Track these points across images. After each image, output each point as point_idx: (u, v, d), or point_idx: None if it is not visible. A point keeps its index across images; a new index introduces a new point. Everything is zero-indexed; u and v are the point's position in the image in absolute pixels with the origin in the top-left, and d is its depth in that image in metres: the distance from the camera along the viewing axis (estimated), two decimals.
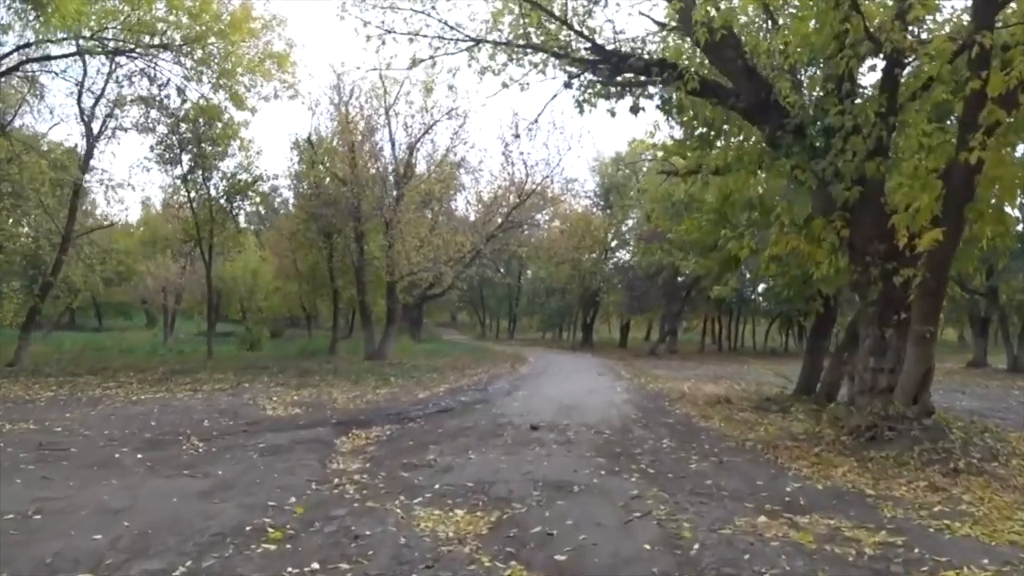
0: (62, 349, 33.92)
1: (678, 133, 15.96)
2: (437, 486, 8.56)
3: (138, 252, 41.14)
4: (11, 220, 26.14)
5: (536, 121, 25.48)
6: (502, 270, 62.62)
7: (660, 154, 16.92)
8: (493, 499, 7.98)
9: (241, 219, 39.23)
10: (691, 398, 18.10)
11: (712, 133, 14.22)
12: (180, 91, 24.93)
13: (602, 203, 53.13)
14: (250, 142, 28.71)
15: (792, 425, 13.25)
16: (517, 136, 28.98)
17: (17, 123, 26.07)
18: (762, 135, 12.26)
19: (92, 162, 27.20)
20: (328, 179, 30.42)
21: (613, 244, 52.13)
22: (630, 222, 50.57)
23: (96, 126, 27.08)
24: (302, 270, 35.36)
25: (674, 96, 12.80)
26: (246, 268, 42.04)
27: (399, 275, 27.69)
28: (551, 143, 31.99)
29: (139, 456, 9.99)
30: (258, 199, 32.16)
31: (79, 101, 26.18)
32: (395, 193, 28.49)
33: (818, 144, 10.98)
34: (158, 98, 26.23)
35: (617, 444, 11.49)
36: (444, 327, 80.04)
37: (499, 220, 30.18)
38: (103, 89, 26.37)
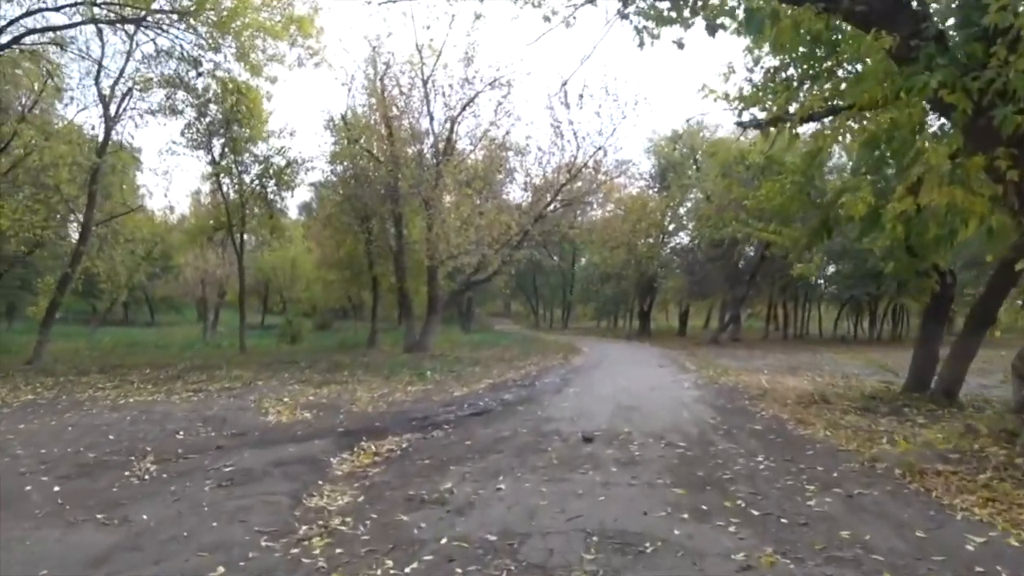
0: (97, 345, 32.22)
1: (758, 76, 12.86)
2: (444, 540, 5.83)
3: (183, 244, 38.99)
4: (45, 215, 24.06)
5: (584, 65, 22.62)
6: (555, 257, 59.77)
7: (736, 103, 13.78)
8: (524, 567, 5.16)
9: (291, 209, 37.22)
10: (776, 395, 14.97)
11: (811, 64, 11.11)
12: (196, 62, 22.40)
13: (658, 185, 49.73)
14: (271, 114, 26.25)
15: (923, 436, 10.08)
16: (567, 104, 25.84)
17: (37, 109, 24.12)
18: (885, 54, 9.08)
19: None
20: (364, 159, 27.78)
21: (671, 227, 48.69)
22: (688, 203, 47.17)
23: (116, 108, 24.72)
24: (340, 257, 32.77)
25: (764, 3, 9.67)
26: (285, 258, 39.74)
27: (439, 259, 24.93)
28: (604, 111, 28.68)
29: (56, 489, 7.39)
30: (294, 183, 29.63)
31: (97, 82, 23.93)
32: (434, 171, 25.72)
33: (972, 55, 7.81)
34: (184, 78, 23.93)
35: (697, 464, 8.51)
36: (497, 317, 77.57)
37: (548, 198, 27.14)
38: (122, 68, 24.06)
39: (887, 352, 32.81)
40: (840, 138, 11.92)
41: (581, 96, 25.96)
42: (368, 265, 30.44)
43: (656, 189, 49.20)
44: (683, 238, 48.69)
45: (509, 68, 36.99)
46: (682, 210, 48.05)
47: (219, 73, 22.89)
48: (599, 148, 26.57)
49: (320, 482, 7.89)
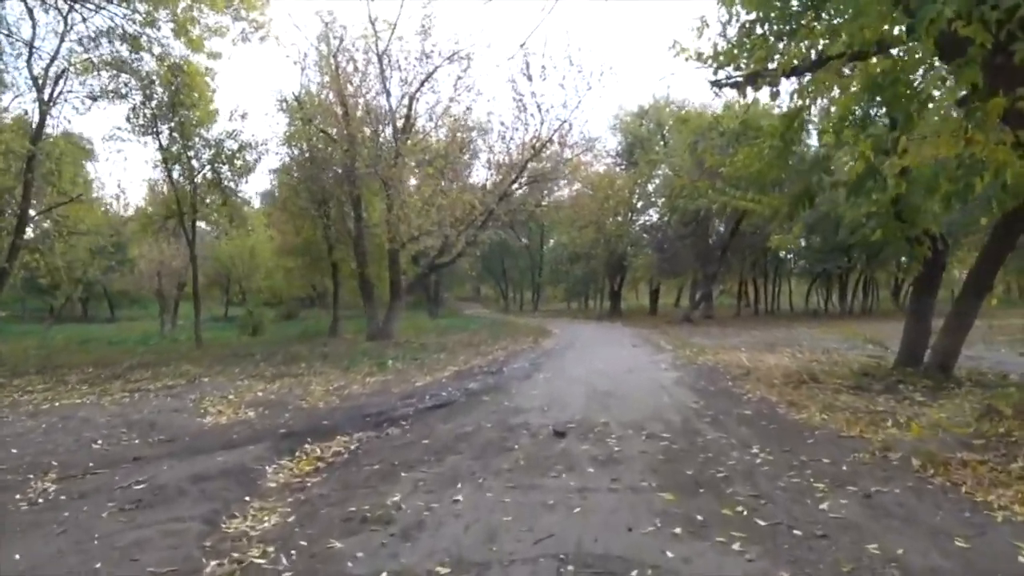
0: (48, 344, 30.66)
1: (733, 32, 11.72)
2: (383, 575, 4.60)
3: (137, 235, 37.17)
4: None
5: (549, 36, 21.75)
6: (523, 239, 58.61)
7: (710, 61, 12.63)
8: None
9: (255, 198, 35.70)
10: (760, 375, 13.94)
11: (787, 19, 9.98)
12: (134, 40, 20.83)
13: (625, 162, 48.61)
14: (214, 92, 24.61)
15: (927, 415, 9.07)
16: (529, 76, 24.50)
17: None
18: None
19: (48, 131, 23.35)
20: (319, 140, 26.39)
21: (639, 205, 47.60)
22: (656, 179, 46.10)
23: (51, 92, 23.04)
24: (297, 243, 31.27)
25: None
26: (243, 246, 38.11)
27: (400, 241, 23.63)
28: (568, 83, 26.99)
29: None
30: (248, 167, 28.07)
31: (29, 65, 22.26)
32: (393, 150, 24.39)
33: None
34: (126, 59, 22.33)
35: (686, 460, 7.40)
36: (466, 301, 76.37)
37: (512, 176, 25.87)
38: (56, 50, 22.39)
39: (861, 325, 32.09)
40: (823, 94, 10.90)
41: (544, 67, 24.87)
42: (327, 251, 28.98)
43: (624, 166, 48.11)
44: (652, 215, 47.69)
45: (468, 40, 35.42)
46: (651, 187, 46.99)
47: (156, 50, 21.33)
48: (564, 121, 25.37)
49: (247, 498, 6.68)
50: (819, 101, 11.46)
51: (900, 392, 11.09)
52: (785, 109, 12.40)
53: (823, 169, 13.21)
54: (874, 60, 8.42)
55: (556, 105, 28.32)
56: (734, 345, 22.48)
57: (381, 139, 25.58)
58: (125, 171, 73.63)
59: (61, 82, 22.78)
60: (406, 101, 25.81)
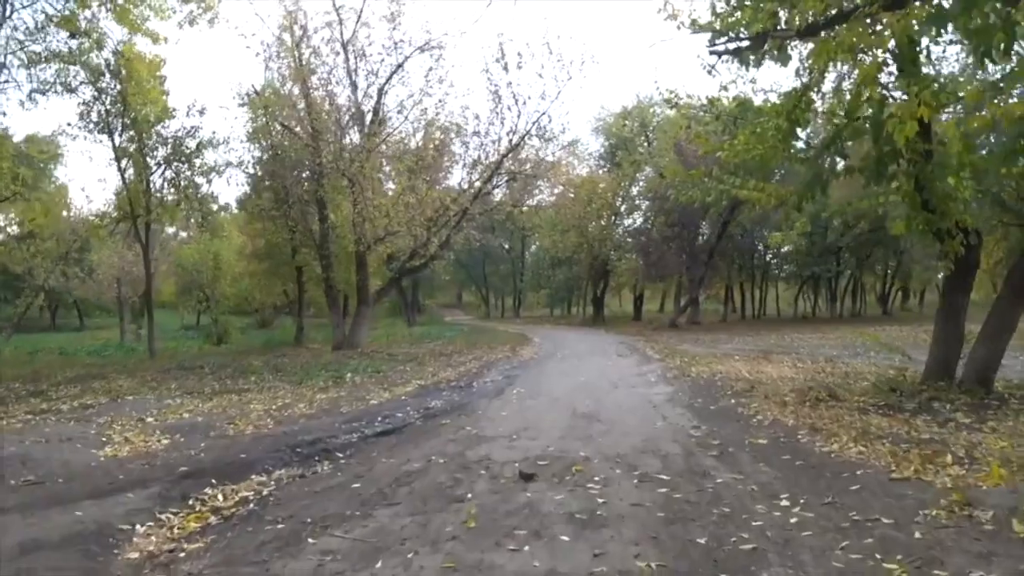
0: None
1: None
2: None
3: (92, 238, 34.94)
4: None
5: (526, 23, 20.21)
6: (505, 244, 56.76)
7: (706, 27, 10.74)
8: None
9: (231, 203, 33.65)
10: (765, 390, 11.97)
11: None
12: (70, 23, 18.72)
13: (608, 165, 46.80)
14: (163, 80, 22.57)
15: (989, 445, 7.15)
16: (505, 66, 22.46)
17: None
18: None
19: None
20: (281, 135, 24.37)
21: (622, 208, 45.69)
22: (641, 183, 44.28)
23: None
24: (258, 247, 29.13)
25: None
26: (206, 251, 35.89)
27: (366, 243, 21.64)
28: (547, 72, 24.69)
29: None
30: (209, 166, 26.02)
31: None
32: (360, 145, 22.40)
33: None
34: (68, 49, 20.31)
35: (695, 519, 5.37)
36: (448, 308, 74.28)
37: (488, 173, 23.84)
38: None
39: (855, 329, 30.36)
40: (844, 59, 9.10)
41: (520, 55, 22.65)
42: (291, 254, 26.82)
43: (607, 168, 46.28)
44: (636, 219, 45.85)
45: (441, 29, 33.05)
46: (635, 190, 45.22)
47: (94, 35, 19.22)
48: (543, 113, 23.35)
49: None
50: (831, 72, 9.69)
51: (938, 412, 9.16)
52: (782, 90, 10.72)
53: (837, 152, 11.35)
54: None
55: (534, 96, 25.48)
56: (726, 353, 20.61)
57: (347, 134, 23.59)
58: (88, 172, 70.89)
59: None
60: (374, 94, 23.83)
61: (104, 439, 9.64)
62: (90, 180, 66.55)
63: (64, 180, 50.65)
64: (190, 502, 6.56)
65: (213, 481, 7.18)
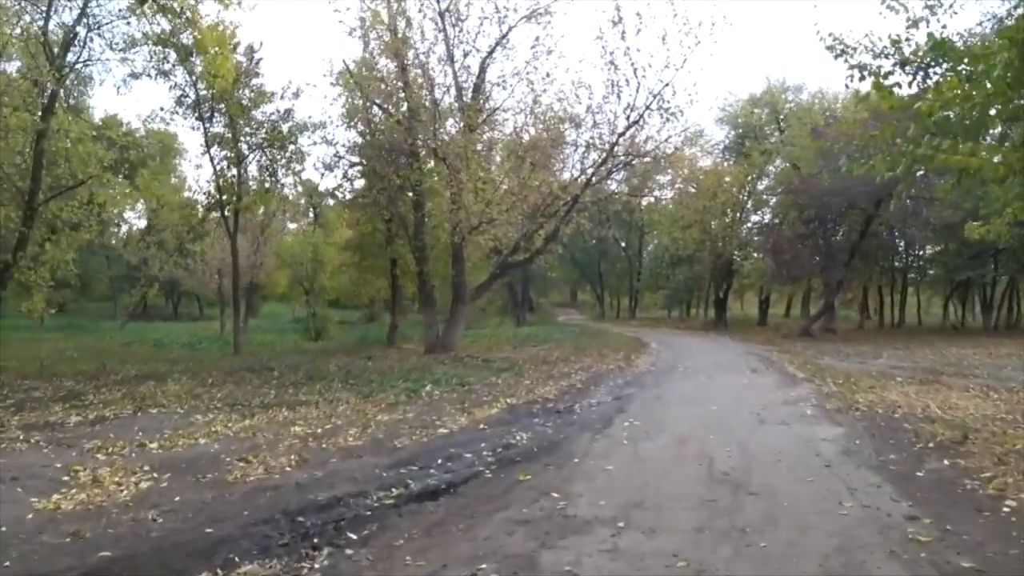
0: (90, 344, 27.18)
1: None
2: None
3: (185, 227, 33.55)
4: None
5: None
6: (622, 242, 53.05)
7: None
8: None
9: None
10: (986, 440, 8.26)
11: None
12: None
13: (733, 157, 42.55)
14: (236, 46, 20.33)
15: None
16: (622, 33, 18.97)
17: None
18: None
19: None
20: (374, 115, 21.77)
21: (748, 204, 41.27)
22: (771, 176, 39.90)
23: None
24: (351, 238, 26.68)
25: None
26: (306, 242, 33.82)
27: (462, 231, 18.69)
28: (671, 36, 20.41)
29: None
30: (301, 151, 23.83)
31: (44, 29, 18.39)
32: (458, 124, 19.54)
33: None
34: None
35: None
36: (563, 307, 70.82)
37: (602, 156, 20.46)
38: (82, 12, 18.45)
39: (1020, 345, 25.66)
40: None
41: (639, 16, 19.05)
42: (386, 243, 24.00)
43: (732, 160, 42.03)
44: (764, 215, 41.36)
45: None
46: (762, 184, 40.80)
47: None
48: (666, 84, 19.63)
49: None
50: None
51: None
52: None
53: None
54: None
55: (656, 65, 21.16)
56: (883, 372, 16.68)
57: (444, 113, 20.74)
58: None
59: (79, 49, 19.02)
60: (475, 68, 20.85)
61: (69, 476, 7.02)
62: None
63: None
64: None
65: None
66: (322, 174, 25.48)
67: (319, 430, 9.76)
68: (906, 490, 6.35)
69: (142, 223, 44.92)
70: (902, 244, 38.24)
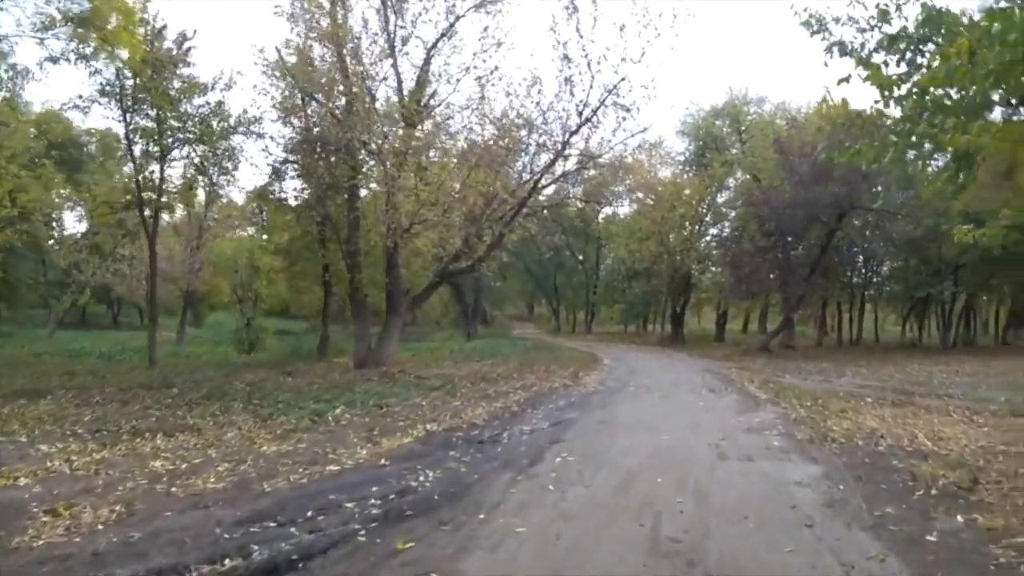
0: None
1: None
2: None
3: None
4: None
5: None
6: (578, 253, 51.49)
7: None
8: None
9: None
10: (997, 482, 6.60)
11: None
12: None
13: (693, 168, 41.21)
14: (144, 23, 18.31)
15: None
16: (576, 22, 17.34)
17: None
18: None
19: None
20: (311, 108, 19.86)
21: (707, 217, 39.88)
22: (731, 189, 38.67)
23: None
24: (279, 243, 24.54)
25: None
26: (239, 246, 31.57)
27: (397, 232, 16.80)
28: (629, 28, 18.88)
29: None
30: (230, 150, 21.78)
31: None
32: (395, 117, 17.74)
33: None
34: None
35: None
36: (520, 321, 68.99)
37: (551, 156, 18.78)
38: None
39: (983, 361, 25.23)
40: None
41: (595, 2, 17.41)
42: (320, 245, 21.76)
43: (692, 171, 40.69)
44: (724, 228, 39.98)
45: None
46: (722, 198, 39.51)
47: None
48: (623, 79, 17.99)
49: None
50: None
51: None
52: None
53: None
54: None
55: (613, 58, 19.19)
56: (850, 391, 15.14)
57: (391, 107, 18.95)
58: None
59: None
60: (419, 59, 19.07)
61: None
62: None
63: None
64: None
65: None
66: (261, 174, 23.39)
67: (184, 465, 7.88)
68: (920, 566, 4.62)
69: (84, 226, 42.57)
70: (860, 259, 37.19)
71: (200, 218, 31.07)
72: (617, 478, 7.10)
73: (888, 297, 44.24)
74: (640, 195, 38.28)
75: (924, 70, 7.60)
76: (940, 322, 42.00)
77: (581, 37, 17.78)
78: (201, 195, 29.12)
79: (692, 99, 76.56)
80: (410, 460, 8.07)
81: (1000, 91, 7.14)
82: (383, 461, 8.06)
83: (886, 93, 7.39)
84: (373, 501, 6.31)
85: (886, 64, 7.75)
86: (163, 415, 11.42)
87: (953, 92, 7.43)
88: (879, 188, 29.79)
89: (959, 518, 5.63)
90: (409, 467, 7.64)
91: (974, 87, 6.89)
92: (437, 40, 19.07)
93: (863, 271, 40.54)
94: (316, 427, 10.37)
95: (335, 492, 6.61)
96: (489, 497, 6.41)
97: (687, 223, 38.05)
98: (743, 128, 39.89)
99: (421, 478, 7.14)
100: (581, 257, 53.47)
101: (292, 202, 21.62)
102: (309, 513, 5.95)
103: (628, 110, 18.23)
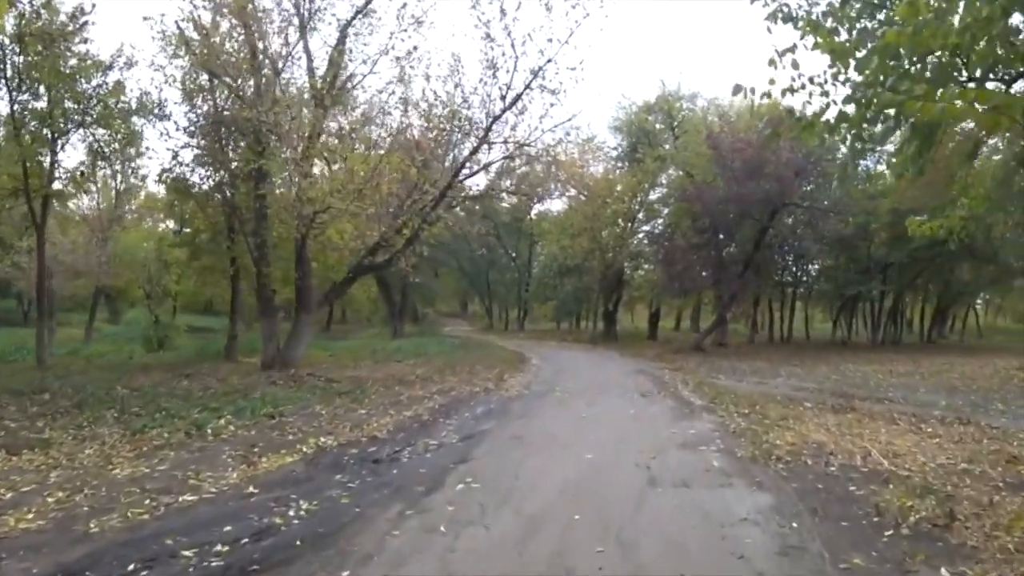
0: None
1: None
2: None
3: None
4: None
5: None
6: (511, 250, 50.39)
7: None
8: None
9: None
10: (973, 519, 5.52)
11: None
12: None
13: (625, 164, 40.34)
14: None
15: None
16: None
17: None
18: None
19: None
20: (216, 87, 18.20)
21: (640, 214, 39.05)
22: (663, 186, 37.94)
23: None
24: (184, 235, 22.74)
25: None
26: (148, 238, 29.50)
27: (304, 222, 15.32)
28: (556, 7, 17.77)
29: None
30: (131, 134, 19.94)
31: None
32: (303, 100, 16.23)
33: None
34: None
35: None
36: (453, 318, 67.47)
37: (474, 143, 17.50)
38: None
39: (911, 359, 25.49)
40: None
41: None
42: (227, 234, 20.03)
43: (624, 167, 39.82)
44: (657, 225, 39.16)
45: None
46: (654, 195, 38.74)
47: None
48: (549, 60, 16.78)
49: None
50: None
51: None
52: None
53: None
54: None
55: (538, 41, 17.95)
56: (788, 395, 14.27)
57: (291, 84, 17.45)
58: None
59: None
60: (333, 38, 17.59)
61: None
62: None
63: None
64: None
65: None
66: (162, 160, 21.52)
67: (8, 495, 6.42)
68: None
69: None
70: (791, 257, 36.92)
71: (110, 209, 28.81)
72: (526, 514, 5.84)
73: (818, 295, 44.35)
74: (572, 191, 37.39)
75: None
76: (869, 320, 42.22)
77: (504, 14, 16.53)
78: (108, 184, 27.17)
79: (624, 94, 76.50)
80: (285, 487, 6.71)
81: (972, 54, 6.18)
82: (251, 488, 6.69)
83: (839, 63, 6.32)
84: (218, 548, 4.99)
85: (837, 32, 6.73)
86: (16, 427, 9.81)
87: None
88: (810, 186, 29.50)
89: (944, 573, 4.53)
90: (280, 497, 6.31)
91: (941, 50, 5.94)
92: (353, 17, 17.64)
93: (794, 269, 40.36)
94: (190, 442, 8.90)
95: (178, 533, 5.28)
96: (364, 542, 5.11)
97: (620, 219, 37.12)
98: (676, 124, 39.25)
99: (290, 513, 5.83)
100: (514, 254, 52.34)
101: (195, 191, 19.78)
102: (131, 567, 4.59)
103: (555, 93, 17.05)
